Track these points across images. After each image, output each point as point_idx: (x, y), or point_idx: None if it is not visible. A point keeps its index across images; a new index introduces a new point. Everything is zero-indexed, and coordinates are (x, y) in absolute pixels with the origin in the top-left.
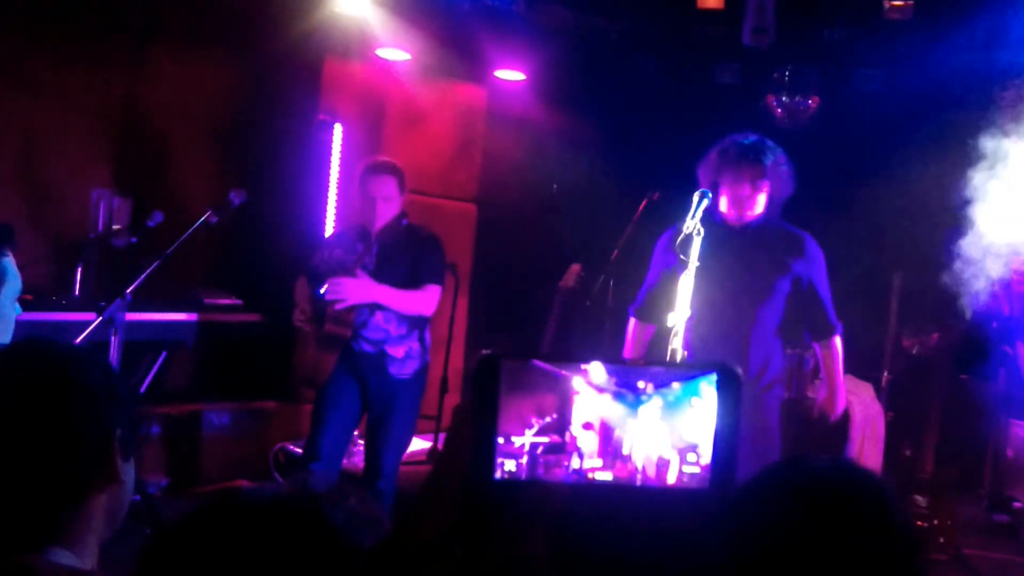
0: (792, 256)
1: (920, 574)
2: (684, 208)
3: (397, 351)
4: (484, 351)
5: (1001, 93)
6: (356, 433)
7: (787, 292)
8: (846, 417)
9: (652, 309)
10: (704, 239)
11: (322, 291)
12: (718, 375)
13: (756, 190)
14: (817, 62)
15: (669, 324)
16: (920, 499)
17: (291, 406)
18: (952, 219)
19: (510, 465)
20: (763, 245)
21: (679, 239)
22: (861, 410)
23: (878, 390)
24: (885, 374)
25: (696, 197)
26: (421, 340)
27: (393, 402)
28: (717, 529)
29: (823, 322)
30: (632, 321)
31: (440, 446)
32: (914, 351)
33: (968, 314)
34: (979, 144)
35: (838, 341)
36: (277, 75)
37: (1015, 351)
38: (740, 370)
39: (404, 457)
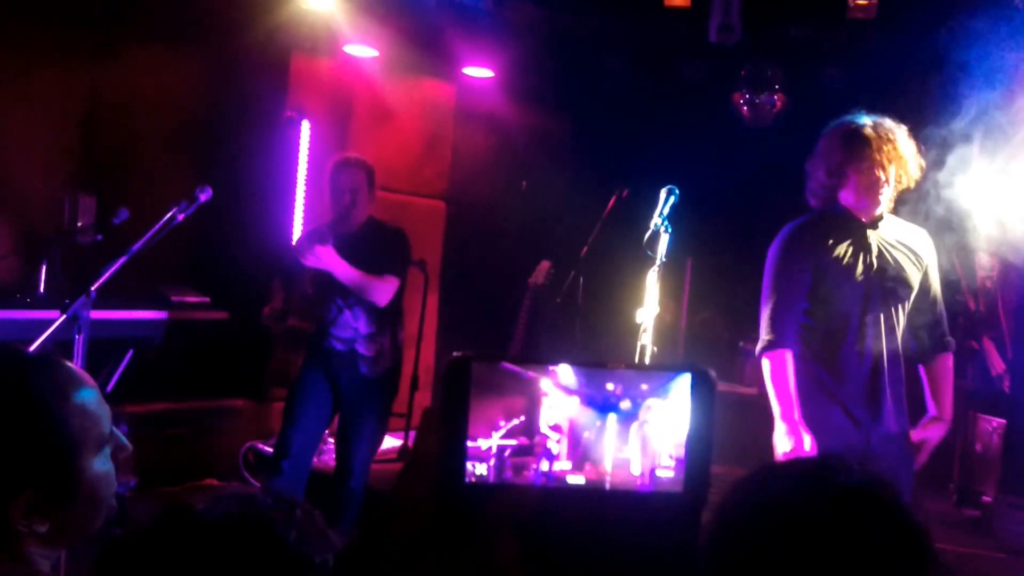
0: (923, 252)
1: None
2: (653, 205)
3: (368, 350)
4: (455, 353)
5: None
6: (327, 432)
7: (915, 294)
8: None
9: (791, 335)
10: (832, 239)
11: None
12: (692, 376)
13: (880, 175)
14: (783, 60)
15: (637, 320)
16: None
17: (260, 404)
18: (917, 216)
19: (480, 468)
20: (901, 241)
21: (647, 236)
22: None
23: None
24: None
25: (663, 194)
26: (393, 338)
27: (365, 401)
28: (694, 532)
29: (939, 334)
30: (781, 354)
31: (411, 444)
32: None
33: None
34: (943, 143)
35: (951, 360)
36: (244, 71)
37: (981, 347)
38: (713, 372)
39: (375, 455)
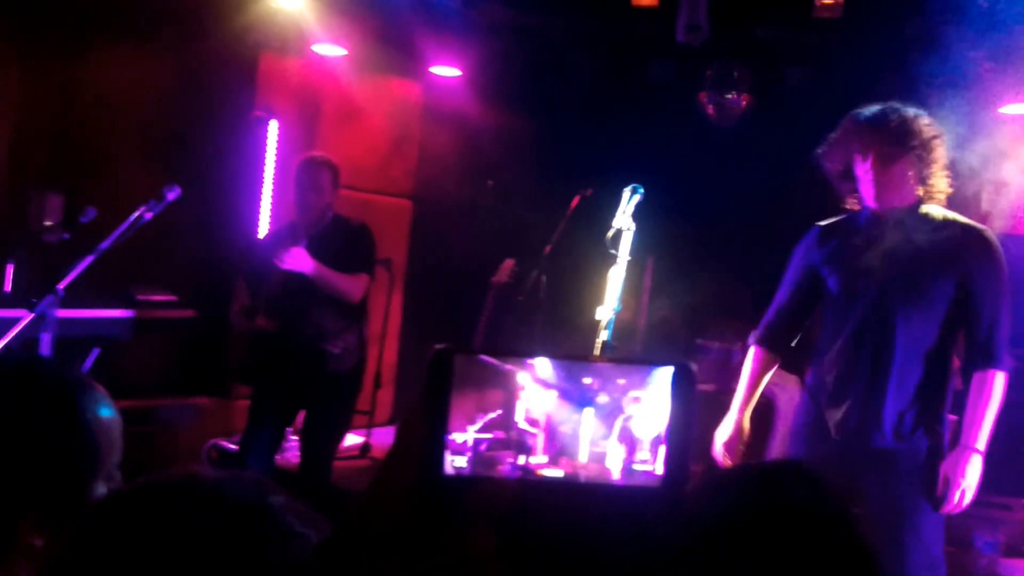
0: (958, 253)
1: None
2: (617, 204)
3: (334, 347)
4: (437, 345)
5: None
6: (291, 429)
7: (949, 298)
8: (771, 408)
9: (781, 335)
10: (842, 237)
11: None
12: (674, 370)
13: (889, 163)
14: (749, 60)
15: (597, 317)
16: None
17: (225, 402)
18: None
19: (460, 461)
20: (928, 239)
21: (610, 234)
22: (786, 401)
23: (803, 383)
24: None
25: (627, 193)
26: (359, 336)
27: (330, 398)
28: (670, 528)
29: (979, 347)
30: (751, 348)
31: (371, 440)
32: None
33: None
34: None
35: (997, 380)
36: (213, 70)
37: None
38: (695, 366)
39: (338, 452)
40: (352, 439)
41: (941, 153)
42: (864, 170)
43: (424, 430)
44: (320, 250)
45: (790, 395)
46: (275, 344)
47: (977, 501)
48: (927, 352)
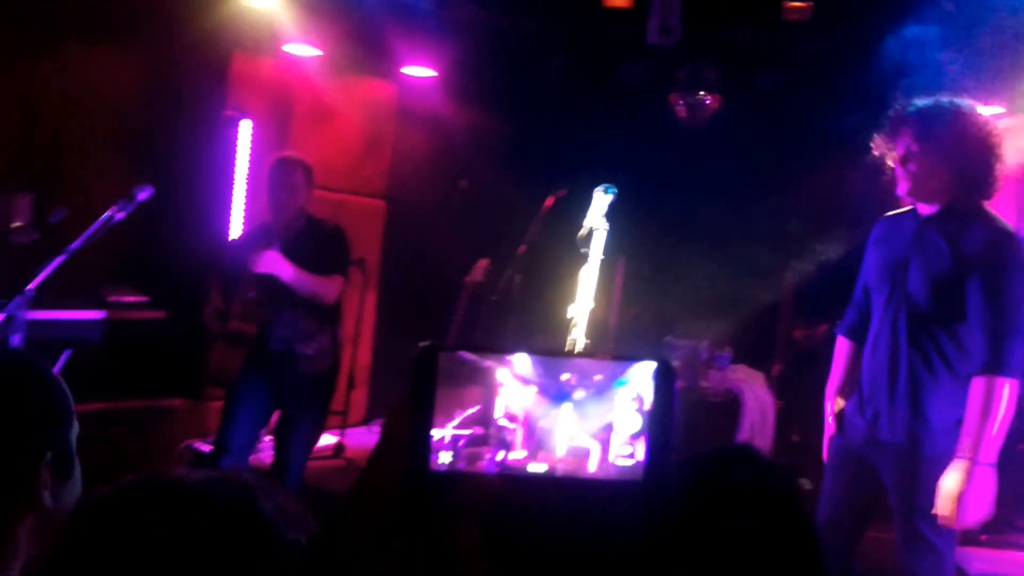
0: (974, 254)
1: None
2: (589, 205)
3: (307, 348)
4: (422, 343)
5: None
6: (264, 430)
7: (962, 303)
8: (737, 404)
9: (858, 325)
10: (888, 233)
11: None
12: (656, 367)
13: (919, 159)
14: (719, 62)
15: (568, 316)
16: (806, 482)
17: (198, 404)
18: (844, 215)
19: (445, 457)
20: (951, 239)
21: (581, 234)
22: (752, 398)
23: (769, 379)
24: (776, 365)
25: (599, 192)
26: (332, 337)
27: (303, 399)
28: (644, 519)
29: (976, 353)
30: (837, 338)
31: (345, 440)
32: (804, 342)
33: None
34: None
35: (1004, 388)
36: (184, 70)
37: None
38: (676, 363)
39: (312, 452)
40: (326, 439)
41: (987, 152)
42: (896, 163)
43: (409, 426)
44: (294, 252)
45: (755, 392)
46: (246, 345)
47: None
48: (939, 357)
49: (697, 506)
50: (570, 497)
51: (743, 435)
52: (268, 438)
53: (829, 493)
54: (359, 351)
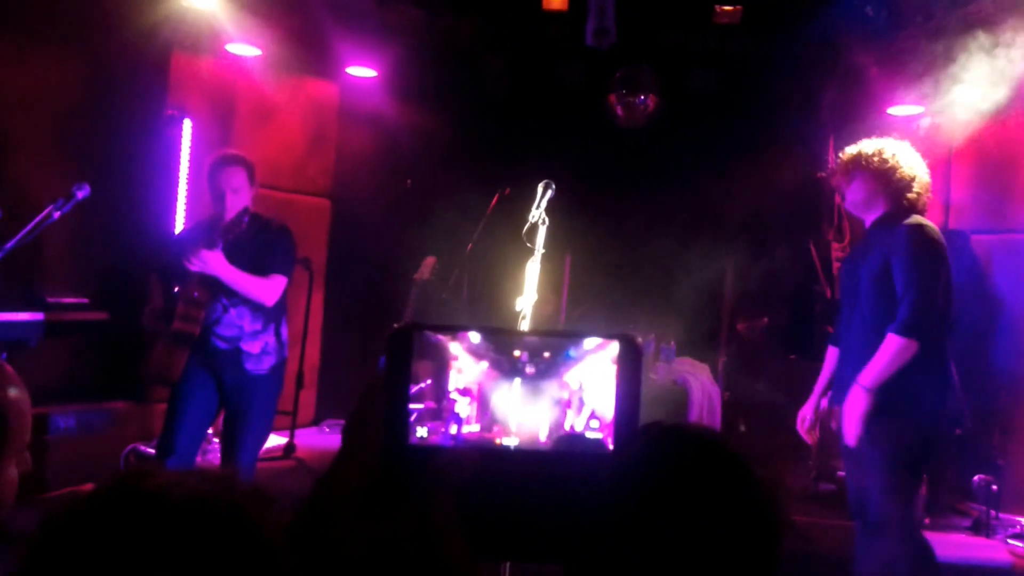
0: (889, 246)
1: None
2: (534, 201)
3: (252, 347)
4: (395, 325)
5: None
6: (211, 431)
7: (883, 290)
8: (684, 395)
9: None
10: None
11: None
12: (620, 343)
13: (849, 189)
14: (655, 63)
15: (517, 308)
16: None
17: (142, 406)
18: (780, 208)
19: (422, 431)
20: (878, 238)
21: (526, 228)
22: (699, 389)
23: (715, 371)
24: (721, 357)
25: (540, 188)
26: (277, 335)
27: (250, 398)
28: (626, 490)
29: (894, 316)
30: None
31: (295, 440)
32: (746, 334)
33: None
34: (804, 141)
35: (897, 341)
36: (123, 69)
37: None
38: (640, 339)
39: (260, 453)
40: (276, 440)
41: (892, 168)
42: (840, 187)
43: (385, 402)
44: (237, 252)
45: (702, 382)
46: (193, 346)
47: None
48: (871, 332)
49: (663, 475)
50: (532, 468)
51: (692, 419)
52: (216, 440)
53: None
54: (307, 351)
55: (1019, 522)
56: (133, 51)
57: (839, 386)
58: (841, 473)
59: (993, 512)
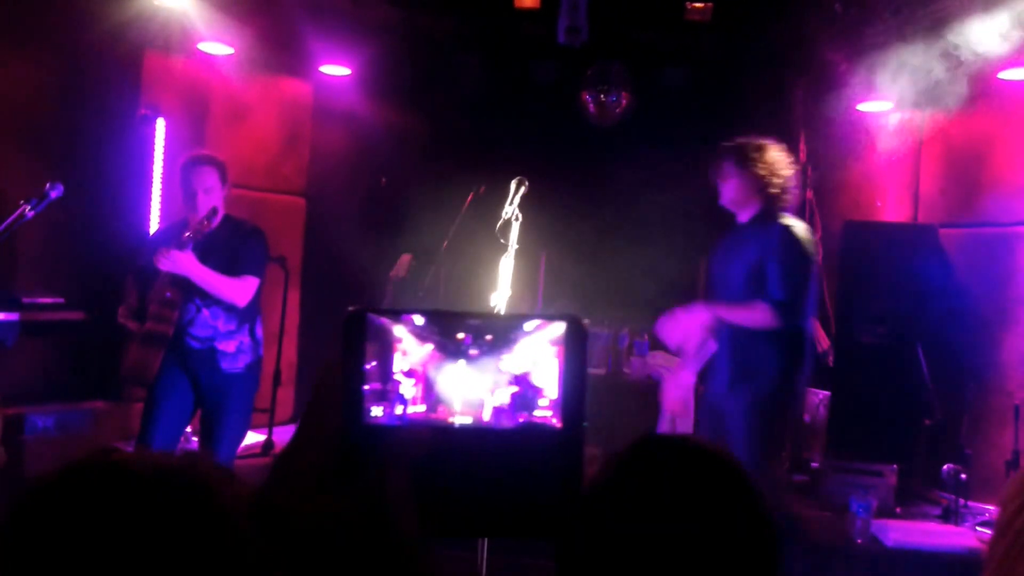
0: (760, 243)
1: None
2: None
3: (228, 346)
4: (350, 308)
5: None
6: (189, 430)
7: (754, 284)
8: (657, 389)
9: None
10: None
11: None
12: (567, 323)
13: (726, 181)
14: (627, 61)
15: (491, 304)
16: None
17: (120, 405)
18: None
19: (377, 411)
20: (746, 235)
21: (499, 224)
22: (673, 383)
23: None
24: None
25: (514, 184)
26: (252, 334)
27: (226, 397)
28: (577, 464)
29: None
30: None
31: (273, 438)
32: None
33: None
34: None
35: (761, 307)
36: (95, 68)
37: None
38: (587, 320)
39: (239, 450)
40: (254, 437)
41: (770, 170)
42: (719, 182)
43: (341, 382)
44: (210, 252)
45: (673, 375)
46: (169, 346)
47: (853, 469)
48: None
49: (665, 489)
50: (477, 445)
51: (665, 419)
52: (195, 439)
53: None
54: (284, 349)
55: (987, 510)
56: (105, 50)
57: (712, 373)
58: (815, 464)
59: (962, 500)
